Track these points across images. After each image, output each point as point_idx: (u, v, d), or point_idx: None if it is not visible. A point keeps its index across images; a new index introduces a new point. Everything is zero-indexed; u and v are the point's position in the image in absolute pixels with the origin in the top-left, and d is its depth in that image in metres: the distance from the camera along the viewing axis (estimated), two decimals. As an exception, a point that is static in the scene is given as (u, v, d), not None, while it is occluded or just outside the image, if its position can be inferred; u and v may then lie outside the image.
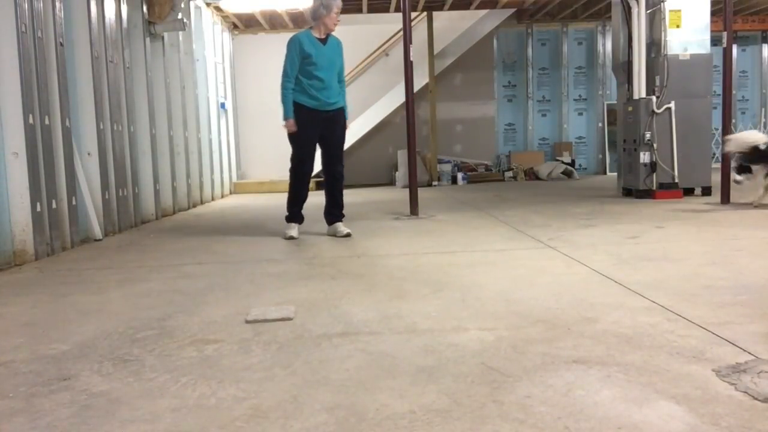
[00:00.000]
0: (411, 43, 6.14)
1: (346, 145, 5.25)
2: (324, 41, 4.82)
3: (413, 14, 10.48)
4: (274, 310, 2.64)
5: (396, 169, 11.21)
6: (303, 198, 5.04)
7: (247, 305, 2.79)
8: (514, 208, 6.58)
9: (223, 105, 10.30)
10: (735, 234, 4.30)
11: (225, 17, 10.71)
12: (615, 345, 2.05)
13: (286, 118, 4.81)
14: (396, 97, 10.73)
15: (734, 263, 3.30)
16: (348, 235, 4.87)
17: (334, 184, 5.03)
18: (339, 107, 4.90)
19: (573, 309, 2.52)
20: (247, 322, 2.51)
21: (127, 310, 2.78)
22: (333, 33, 4.93)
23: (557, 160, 11.90)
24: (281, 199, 7.17)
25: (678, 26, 6.91)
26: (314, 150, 4.93)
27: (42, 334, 2.46)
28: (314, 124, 4.83)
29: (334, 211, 5.03)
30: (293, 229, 4.95)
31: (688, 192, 7.04)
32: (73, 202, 4.83)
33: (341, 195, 5.04)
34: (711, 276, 3.02)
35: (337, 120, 4.89)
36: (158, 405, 1.71)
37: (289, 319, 2.53)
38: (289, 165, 4.97)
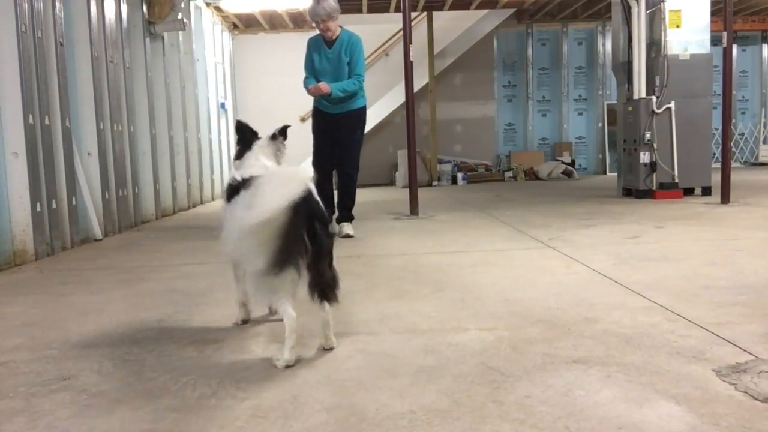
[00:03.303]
0: (411, 43, 6.14)
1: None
2: (331, 44, 4.86)
3: (413, 14, 10.48)
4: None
5: (396, 169, 11.21)
6: (327, 195, 5.09)
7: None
8: (514, 208, 6.58)
9: (223, 105, 10.30)
10: (735, 234, 4.30)
11: (225, 17, 10.71)
12: (615, 345, 2.05)
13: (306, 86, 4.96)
14: (396, 97, 10.74)
15: (734, 263, 3.30)
16: (348, 236, 4.87)
17: (341, 185, 5.15)
18: (347, 110, 4.93)
19: (573, 309, 2.52)
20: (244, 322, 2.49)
21: (127, 310, 2.78)
22: (353, 31, 5.00)
23: (557, 160, 11.90)
24: (281, 199, 7.09)
25: (678, 26, 6.90)
26: (328, 150, 5.04)
27: (42, 334, 2.45)
28: (324, 125, 5.01)
29: (341, 211, 5.09)
30: None
31: (688, 192, 7.04)
32: (73, 202, 4.83)
33: (348, 197, 5.07)
34: (711, 276, 3.02)
35: (342, 123, 4.95)
36: (158, 405, 1.71)
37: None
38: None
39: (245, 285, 2.32)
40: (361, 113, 5.00)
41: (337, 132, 4.97)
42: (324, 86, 4.75)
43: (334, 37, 4.86)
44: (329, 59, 4.88)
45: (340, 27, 4.94)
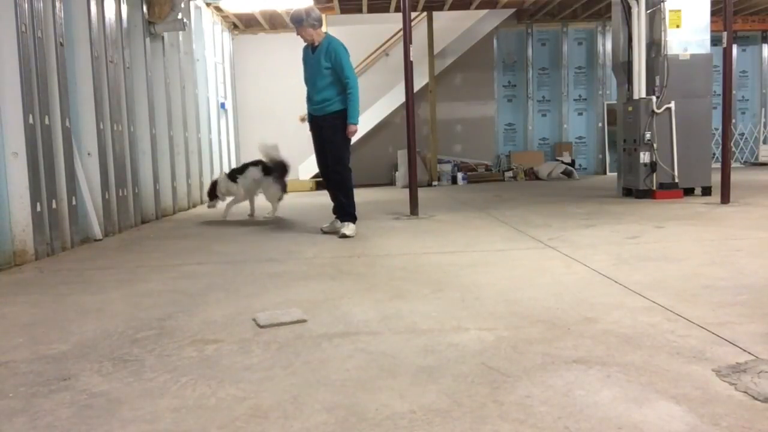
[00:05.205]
0: (411, 43, 6.14)
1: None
2: (314, 51, 4.97)
3: (413, 14, 10.48)
4: (283, 314, 2.57)
5: (396, 169, 11.21)
6: (330, 196, 5.19)
7: (248, 305, 2.79)
8: (514, 208, 6.58)
9: (223, 105, 10.29)
10: (735, 234, 4.30)
11: (225, 17, 10.71)
12: (615, 345, 2.05)
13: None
14: (396, 97, 10.73)
15: (734, 263, 3.30)
16: (344, 236, 4.87)
17: (329, 184, 5.20)
18: (326, 113, 4.96)
19: (573, 309, 2.52)
20: (262, 327, 2.43)
21: (127, 310, 2.78)
22: (333, 35, 5.07)
23: (557, 160, 11.90)
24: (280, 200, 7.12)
25: (678, 26, 6.90)
26: (320, 151, 5.15)
27: (42, 334, 2.46)
28: (314, 127, 5.14)
29: (337, 210, 5.09)
30: (325, 223, 5.28)
31: (688, 192, 7.04)
32: (73, 202, 4.83)
33: (340, 195, 5.05)
34: (711, 276, 3.02)
35: (323, 125, 5.00)
36: (158, 405, 1.71)
37: (304, 321, 2.49)
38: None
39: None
40: (338, 117, 4.95)
41: (322, 132, 5.05)
42: (351, 129, 4.89)
43: (315, 44, 4.94)
44: (311, 65, 4.99)
45: (326, 33, 5.02)
